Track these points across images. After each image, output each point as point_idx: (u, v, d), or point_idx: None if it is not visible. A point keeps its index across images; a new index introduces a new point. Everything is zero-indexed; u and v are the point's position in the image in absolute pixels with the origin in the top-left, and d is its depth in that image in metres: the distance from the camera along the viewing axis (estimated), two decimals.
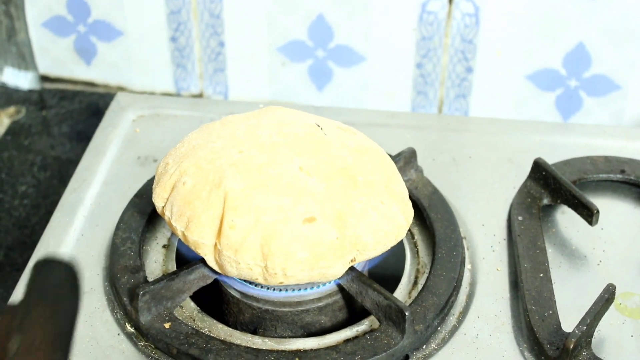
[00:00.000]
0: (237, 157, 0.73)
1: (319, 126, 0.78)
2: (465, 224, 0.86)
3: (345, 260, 0.71)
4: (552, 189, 0.86)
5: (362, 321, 0.76)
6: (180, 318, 0.75)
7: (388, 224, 0.73)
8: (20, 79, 1.16)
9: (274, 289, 0.75)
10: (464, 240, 0.84)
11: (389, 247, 0.74)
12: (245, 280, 0.75)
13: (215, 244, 0.71)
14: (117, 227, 0.83)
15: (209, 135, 0.77)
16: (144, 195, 0.85)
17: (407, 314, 0.71)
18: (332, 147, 0.75)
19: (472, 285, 0.80)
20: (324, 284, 0.76)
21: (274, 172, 0.72)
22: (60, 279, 0.56)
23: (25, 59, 1.15)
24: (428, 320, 0.74)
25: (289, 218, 0.70)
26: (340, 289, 0.77)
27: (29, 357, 0.51)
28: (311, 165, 0.73)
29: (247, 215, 0.70)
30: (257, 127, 0.77)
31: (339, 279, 0.75)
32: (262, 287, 0.75)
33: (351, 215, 0.71)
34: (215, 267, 0.72)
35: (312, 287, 0.75)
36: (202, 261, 0.74)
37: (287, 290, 0.75)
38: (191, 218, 0.71)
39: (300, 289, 0.75)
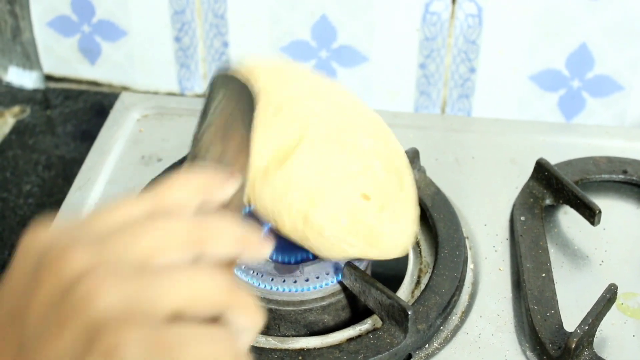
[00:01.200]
0: (319, 110, 0.73)
1: None
2: (468, 223, 0.87)
3: (361, 250, 0.71)
4: (555, 189, 0.86)
5: (365, 320, 0.76)
6: None
7: (403, 234, 0.73)
8: (25, 79, 1.16)
9: (277, 288, 0.76)
10: (466, 240, 0.84)
11: (390, 257, 0.74)
12: (249, 277, 0.76)
13: (268, 169, 0.70)
14: None
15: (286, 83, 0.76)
16: None
17: (409, 313, 0.72)
18: (391, 141, 0.76)
19: (475, 284, 0.81)
20: (327, 283, 0.76)
21: (349, 139, 0.72)
22: (240, 82, 0.64)
23: (29, 59, 1.15)
24: (431, 319, 0.74)
25: (351, 183, 0.70)
26: (343, 288, 0.77)
27: (219, 121, 0.59)
28: (377, 149, 0.73)
29: (317, 164, 0.70)
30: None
31: (343, 277, 0.75)
32: (265, 285, 0.76)
33: (389, 212, 0.72)
34: (250, 194, 0.70)
35: (315, 286, 0.76)
36: None
37: (290, 289, 0.76)
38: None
39: (303, 288, 0.76)
